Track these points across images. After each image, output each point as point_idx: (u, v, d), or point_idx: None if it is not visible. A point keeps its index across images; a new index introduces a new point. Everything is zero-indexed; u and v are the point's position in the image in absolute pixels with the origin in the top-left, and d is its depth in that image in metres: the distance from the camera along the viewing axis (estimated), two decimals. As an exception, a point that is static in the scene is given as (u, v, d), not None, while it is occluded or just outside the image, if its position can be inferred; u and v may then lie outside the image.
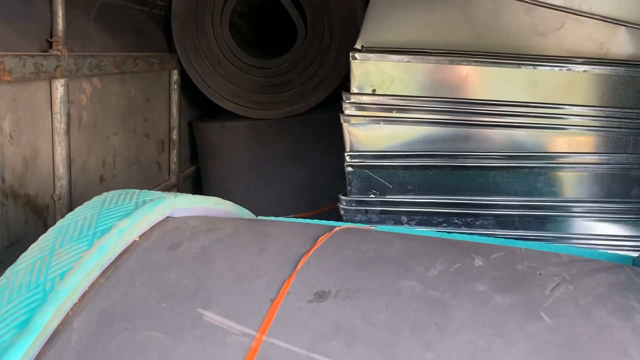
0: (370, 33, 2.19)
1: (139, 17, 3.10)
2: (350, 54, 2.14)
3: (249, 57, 3.53)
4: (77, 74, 2.33)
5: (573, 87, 2.12)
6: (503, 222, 2.20)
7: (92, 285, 1.04)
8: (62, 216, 2.16)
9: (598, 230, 2.17)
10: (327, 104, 3.48)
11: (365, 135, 2.20)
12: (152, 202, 1.24)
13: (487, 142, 2.17)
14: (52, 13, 2.20)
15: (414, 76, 2.16)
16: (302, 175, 3.53)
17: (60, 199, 2.28)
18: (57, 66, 2.17)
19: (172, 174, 3.51)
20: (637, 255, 1.33)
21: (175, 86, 3.46)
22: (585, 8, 2.13)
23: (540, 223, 2.19)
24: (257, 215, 1.59)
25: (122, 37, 2.84)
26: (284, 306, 0.96)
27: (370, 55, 2.14)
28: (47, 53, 2.15)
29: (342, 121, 2.18)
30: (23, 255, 1.09)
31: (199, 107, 3.83)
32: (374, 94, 2.16)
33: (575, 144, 2.16)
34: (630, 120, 2.11)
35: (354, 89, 2.16)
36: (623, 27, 2.12)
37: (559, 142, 2.16)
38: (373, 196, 2.23)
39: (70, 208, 2.28)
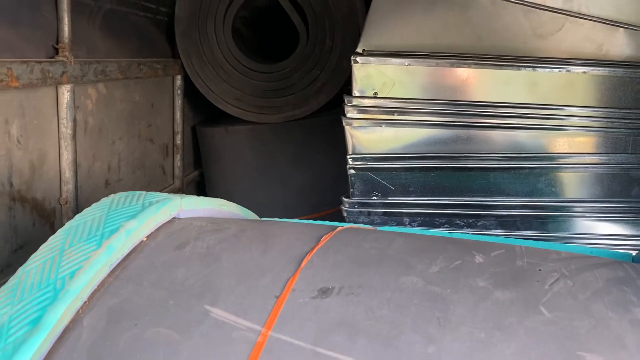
0: (371, 37, 2.22)
1: (143, 23, 3.15)
2: (352, 57, 2.16)
3: (252, 62, 3.57)
4: (83, 79, 2.37)
5: (572, 88, 2.14)
6: (505, 223, 2.22)
7: (101, 284, 1.07)
8: (69, 220, 2.20)
9: (599, 229, 2.19)
10: (329, 108, 3.51)
11: (367, 138, 2.23)
12: (159, 203, 1.26)
13: (488, 144, 2.20)
14: (58, 20, 2.24)
15: (415, 79, 2.19)
16: (305, 179, 3.56)
17: (66, 202, 2.32)
18: (64, 72, 2.21)
19: (176, 178, 3.55)
20: (636, 253, 1.35)
21: (179, 91, 3.50)
22: (583, 10, 2.16)
23: (541, 223, 2.21)
24: (260, 218, 1.61)
25: (126, 43, 2.88)
26: (289, 302, 0.98)
27: (372, 58, 2.16)
28: (53, 59, 2.19)
29: (344, 124, 2.20)
30: (34, 255, 1.12)
31: (202, 111, 3.88)
32: (375, 97, 2.18)
33: (575, 145, 2.18)
34: (629, 121, 2.13)
35: (355, 92, 2.19)
36: (621, 29, 2.14)
37: (559, 143, 2.19)
38: (375, 198, 2.26)
39: (77, 212, 2.30)
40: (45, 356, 0.95)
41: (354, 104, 2.18)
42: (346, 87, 2.99)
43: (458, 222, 2.24)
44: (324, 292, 1.00)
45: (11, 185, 2.01)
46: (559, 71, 2.12)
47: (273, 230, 1.28)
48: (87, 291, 1.04)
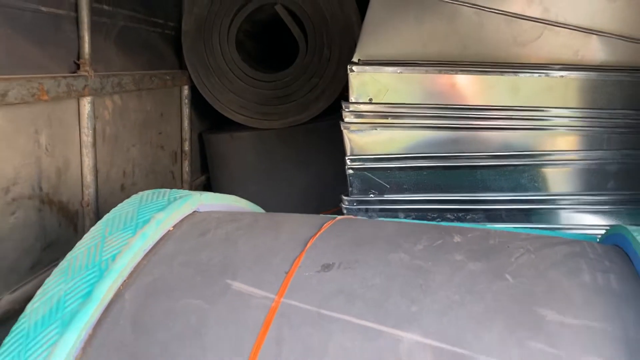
0: (366, 47, 2.35)
1: (153, 38, 3.34)
2: (348, 66, 2.28)
3: (255, 72, 3.74)
4: (102, 92, 2.56)
5: (552, 91, 2.26)
6: (491, 216, 2.38)
7: (138, 266, 1.26)
8: (91, 221, 2.40)
9: (578, 220, 2.35)
10: (328, 113, 3.65)
11: (364, 141, 2.36)
12: (182, 198, 1.46)
13: (475, 144, 2.32)
14: (79, 38, 2.44)
15: (407, 86, 2.31)
16: (307, 180, 3.71)
17: (88, 205, 2.51)
18: (85, 85, 2.41)
19: (184, 182, 3.73)
20: (601, 235, 1.54)
21: (187, 100, 3.69)
22: (561, 19, 2.28)
23: (525, 215, 2.37)
24: (268, 213, 1.80)
25: (138, 57, 3.08)
26: (297, 276, 1.18)
27: (367, 67, 2.29)
28: (76, 74, 2.39)
29: (342, 128, 2.33)
30: (79, 243, 1.31)
31: (209, 119, 4.05)
32: (370, 102, 2.31)
33: (555, 143, 2.30)
34: (603, 120, 2.27)
35: (352, 99, 2.31)
36: (595, 36, 2.28)
37: (540, 142, 2.30)
38: (372, 195, 2.42)
39: (97, 213, 2.51)
40: (95, 323, 1.14)
41: (351, 109, 2.31)
42: (343, 94, 3.11)
43: (449, 216, 2.40)
44: (326, 267, 1.19)
45: (41, 189, 2.20)
46: (539, 76, 2.24)
47: (282, 220, 1.47)
48: (126, 271, 1.23)
